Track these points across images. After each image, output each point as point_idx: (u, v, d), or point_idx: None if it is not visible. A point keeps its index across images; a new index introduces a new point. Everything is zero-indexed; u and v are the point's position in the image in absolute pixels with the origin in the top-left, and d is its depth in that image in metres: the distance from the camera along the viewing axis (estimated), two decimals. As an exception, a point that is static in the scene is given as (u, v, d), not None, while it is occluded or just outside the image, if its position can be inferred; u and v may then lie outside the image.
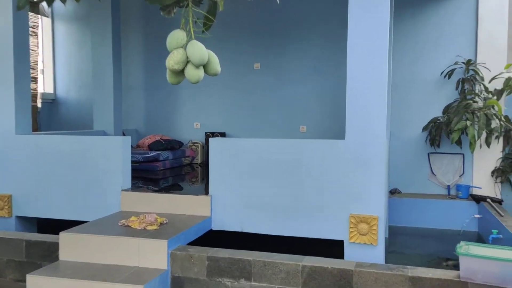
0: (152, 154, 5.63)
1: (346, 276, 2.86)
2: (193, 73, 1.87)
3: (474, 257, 2.59)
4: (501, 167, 5.33)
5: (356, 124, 3.52)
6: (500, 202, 5.11)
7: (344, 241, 3.60)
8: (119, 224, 3.57)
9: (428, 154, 5.71)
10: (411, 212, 5.45)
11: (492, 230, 4.08)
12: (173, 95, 6.83)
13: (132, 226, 3.50)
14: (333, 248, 3.74)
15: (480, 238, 4.99)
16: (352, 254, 3.56)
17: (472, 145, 4.71)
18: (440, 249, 4.88)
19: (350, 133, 3.55)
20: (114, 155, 4.11)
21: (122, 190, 4.12)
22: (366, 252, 3.54)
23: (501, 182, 5.36)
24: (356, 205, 3.55)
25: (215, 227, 3.94)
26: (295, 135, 6.34)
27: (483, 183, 5.46)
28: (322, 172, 3.63)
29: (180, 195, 4.06)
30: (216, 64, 1.95)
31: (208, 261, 3.14)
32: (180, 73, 1.93)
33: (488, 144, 4.99)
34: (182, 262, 3.18)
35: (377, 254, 3.52)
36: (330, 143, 3.64)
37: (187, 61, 1.88)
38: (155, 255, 3.19)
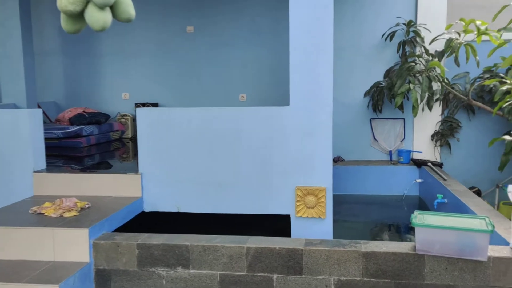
0: (73, 129, 4.99)
1: (295, 256, 2.58)
2: (97, 17, 1.40)
3: (430, 227, 2.40)
4: (440, 131, 5.31)
5: (301, 90, 3.20)
6: (440, 165, 5.11)
7: (291, 216, 3.32)
8: (30, 211, 3.03)
9: (370, 120, 5.58)
10: (354, 179, 5.32)
11: (437, 195, 4.01)
12: (98, 62, 6.12)
13: (46, 214, 2.98)
14: (280, 223, 3.46)
15: (422, 202, 4.97)
16: (300, 229, 3.30)
17: (415, 109, 4.59)
18: (384, 216, 4.81)
19: (295, 99, 3.22)
20: (22, 131, 3.49)
21: (34, 172, 3.53)
22: (314, 226, 3.29)
23: (441, 145, 5.37)
24: (303, 176, 3.27)
25: (148, 208, 3.51)
26: (234, 104, 5.94)
27: (423, 147, 5.44)
28: (264, 142, 3.29)
29: (105, 175, 3.56)
30: (128, 6, 1.48)
31: (139, 250, 2.72)
32: (79, 17, 1.44)
33: (430, 107, 4.91)
34: (108, 253, 2.74)
35: (326, 228, 3.29)
36: (272, 111, 3.30)
37: (87, 0, 1.40)
38: (74, 247, 2.71)
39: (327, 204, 3.25)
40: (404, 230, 4.23)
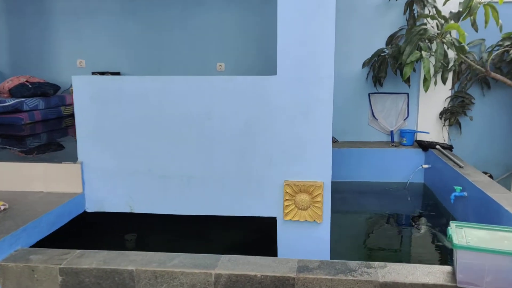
0: (11, 103, 4.09)
1: (284, 287, 1.81)
2: None
3: (482, 251, 1.65)
4: (449, 108, 4.57)
5: (293, 54, 2.38)
6: (450, 148, 4.39)
7: (277, 219, 2.56)
8: None
9: (369, 94, 4.80)
10: (348, 164, 4.57)
11: (455, 187, 3.29)
12: (48, 22, 5.14)
13: None
14: (265, 224, 2.71)
15: (428, 192, 4.26)
16: (288, 236, 2.55)
17: (426, 82, 3.82)
18: (385, 207, 4.09)
19: (284, 67, 2.41)
20: None
21: None
22: (306, 232, 2.54)
23: (450, 125, 4.64)
24: (293, 168, 2.49)
25: (91, 208, 2.69)
26: (211, 74, 5.08)
27: (430, 127, 4.71)
28: (244, 124, 2.49)
29: (34, 164, 2.72)
30: None
31: (63, 276, 1.92)
32: None
33: (444, 80, 4.15)
34: (20, 280, 1.94)
35: (322, 235, 2.54)
36: (255, 81, 2.48)
37: None
38: (-31, 273, 1.90)
39: (324, 205, 2.49)
40: (411, 229, 3.51)
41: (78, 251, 2.05)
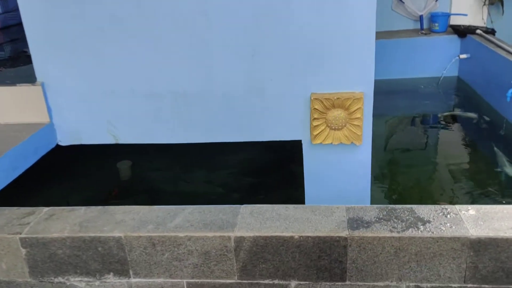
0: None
1: (333, 250, 1.31)
2: None
3: None
4: (493, -18, 3.76)
5: None
6: (493, 32, 3.67)
7: (303, 143, 2.00)
8: None
9: (394, -30, 3.94)
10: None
11: (513, 83, 2.67)
12: None
13: None
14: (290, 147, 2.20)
15: (466, 88, 3.65)
16: (317, 164, 2.02)
17: None
18: (416, 108, 3.51)
19: None
20: None
21: None
22: (340, 157, 2.00)
23: (491, 3, 3.86)
24: (323, 76, 1.86)
25: (64, 140, 2.12)
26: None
27: (466, 8, 3.92)
28: (252, 16, 1.80)
29: (-19, 88, 2.08)
30: None
31: (27, 248, 1.41)
32: None
33: None
34: (-29, 255, 1.44)
35: (361, 159, 2.00)
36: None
37: None
38: None
39: (364, 122, 1.91)
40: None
41: (44, 210, 1.52)
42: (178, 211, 1.44)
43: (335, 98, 1.85)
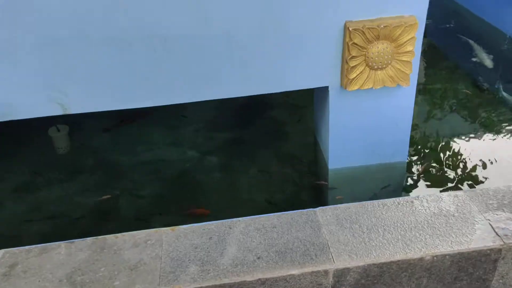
0: None
1: (479, 265, 0.91)
2: None
3: None
4: None
5: None
6: None
7: (331, 89, 1.51)
8: None
9: None
10: None
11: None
12: None
13: None
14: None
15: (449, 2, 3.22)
16: (347, 114, 1.56)
17: None
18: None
19: None
20: None
21: None
22: (379, 105, 1.55)
23: None
24: (363, -3, 1.34)
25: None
26: None
27: None
28: None
29: None
30: None
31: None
32: None
33: None
34: None
35: (404, 107, 1.57)
36: None
37: None
38: None
39: (415, 56, 1.44)
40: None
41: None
42: (224, 230, 0.93)
43: (382, 26, 1.35)
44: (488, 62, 2.27)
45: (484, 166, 1.71)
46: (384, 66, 1.44)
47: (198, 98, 1.48)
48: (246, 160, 1.85)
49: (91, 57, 1.35)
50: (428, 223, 0.92)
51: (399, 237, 0.89)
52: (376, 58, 1.41)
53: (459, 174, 1.68)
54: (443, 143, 1.84)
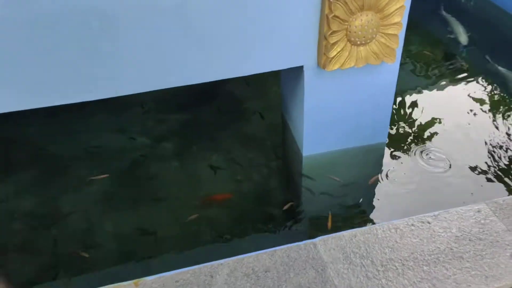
0: None
1: None
2: None
3: None
4: None
5: None
6: None
7: (305, 69, 1.30)
8: None
9: None
10: None
11: None
12: None
13: None
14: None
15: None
16: (323, 96, 1.36)
17: None
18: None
19: None
20: None
21: None
22: (359, 85, 1.36)
23: None
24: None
25: None
26: None
27: None
28: None
29: None
30: None
31: None
32: None
33: None
34: None
35: (385, 85, 1.39)
36: None
37: None
38: None
39: (402, 28, 1.25)
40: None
41: None
42: (204, 281, 0.73)
43: (367, -8, 1.13)
44: (463, 38, 2.13)
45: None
46: (367, 41, 1.23)
47: (148, 87, 1.22)
48: (206, 145, 1.63)
49: (13, 41, 1.04)
50: (452, 251, 0.76)
51: (423, 274, 0.72)
52: (360, 32, 1.21)
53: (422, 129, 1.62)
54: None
